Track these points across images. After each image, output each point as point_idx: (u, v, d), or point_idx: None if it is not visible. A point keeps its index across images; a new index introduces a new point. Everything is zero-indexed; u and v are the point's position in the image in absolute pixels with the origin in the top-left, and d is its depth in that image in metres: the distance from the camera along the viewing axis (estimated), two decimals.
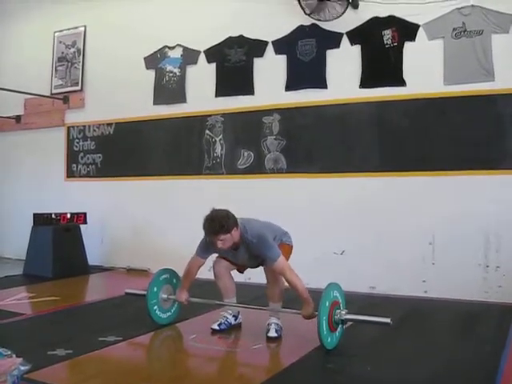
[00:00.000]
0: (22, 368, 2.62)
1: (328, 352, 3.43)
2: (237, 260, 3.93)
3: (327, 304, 3.46)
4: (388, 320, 3.43)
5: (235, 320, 4.06)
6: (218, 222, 3.57)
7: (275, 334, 3.76)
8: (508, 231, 4.91)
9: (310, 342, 3.53)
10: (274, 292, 3.82)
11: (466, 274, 4.99)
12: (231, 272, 4.06)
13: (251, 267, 4.05)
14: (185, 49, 6.56)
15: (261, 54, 6.06)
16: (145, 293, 4.09)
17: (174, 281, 4.22)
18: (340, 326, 3.57)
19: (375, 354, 3.44)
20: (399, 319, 4.30)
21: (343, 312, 3.55)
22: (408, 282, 5.22)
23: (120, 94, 6.94)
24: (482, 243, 5.00)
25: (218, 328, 3.94)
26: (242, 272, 4.14)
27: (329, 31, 5.66)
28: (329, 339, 3.46)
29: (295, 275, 3.62)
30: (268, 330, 3.78)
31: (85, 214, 6.79)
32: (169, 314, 4.17)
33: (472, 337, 3.87)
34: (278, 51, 5.97)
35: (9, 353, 2.76)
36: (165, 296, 4.13)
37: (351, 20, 5.53)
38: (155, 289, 4.09)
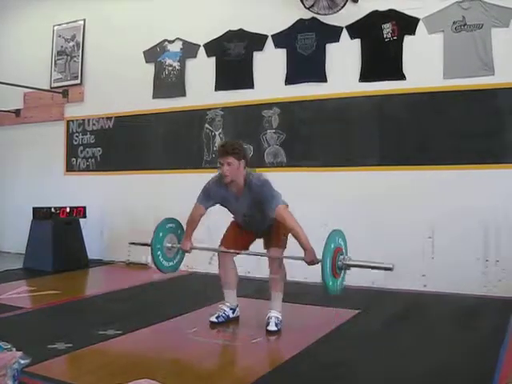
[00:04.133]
0: (22, 362, 2.62)
1: (328, 345, 3.45)
2: (237, 209, 3.92)
3: (332, 246, 3.48)
4: (390, 265, 3.46)
5: (233, 313, 4.06)
6: (231, 145, 3.79)
7: (275, 328, 3.76)
8: (507, 225, 4.91)
9: (310, 335, 3.55)
10: (276, 281, 3.85)
11: (465, 268, 5.00)
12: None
13: (251, 226, 3.97)
14: (184, 42, 6.55)
15: (260, 48, 6.04)
16: (149, 242, 4.09)
17: (179, 231, 4.21)
18: (343, 272, 3.60)
19: (375, 348, 3.45)
20: (399, 313, 4.33)
21: (346, 258, 3.58)
22: (407, 276, 5.21)
23: (119, 88, 6.93)
24: (481, 237, 5.00)
25: (216, 321, 3.95)
26: (247, 247, 4.07)
27: (328, 25, 5.65)
28: (331, 283, 3.48)
29: (296, 223, 3.67)
30: (268, 324, 3.78)
31: (84, 207, 6.79)
32: (171, 263, 4.18)
33: (471, 331, 3.87)
34: (277, 45, 5.96)
35: (9, 346, 2.76)
36: (169, 245, 4.13)
37: (351, 14, 5.52)
38: (161, 234, 4.08)
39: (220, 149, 3.83)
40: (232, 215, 4.07)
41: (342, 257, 3.57)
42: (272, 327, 3.76)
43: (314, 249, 3.61)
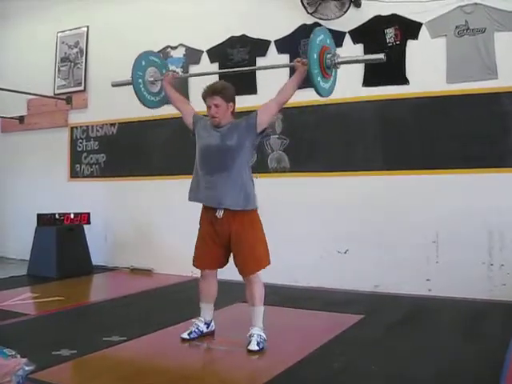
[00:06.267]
0: (27, 368, 2.63)
1: (332, 351, 3.43)
2: (209, 140, 3.67)
3: (315, 56, 3.35)
4: (381, 56, 3.39)
5: (207, 328, 3.82)
6: (220, 85, 3.60)
7: (256, 348, 3.46)
8: None
9: (314, 340, 3.53)
10: (254, 293, 3.61)
11: (470, 272, 4.98)
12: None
13: (209, 162, 3.66)
14: (187, 49, 6.56)
15: (263, 54, 6.05)
16: (130, 80, 4.03)
17: (163, 71, 4.22)
18: (333, 71, 3.53)
19: (380, 353, 3.44)
20: (404, 318, 4.31)
21: (334, 56, 3.47)
22: (412, 280, 5.20)
23: (123, 94, 6.88)
24: (485, 241, 4.98)
25: (187, 337, 3.74)
26: (221, 264, 3.77)
27: (331, 30, 5.61)
28: (322, 85, 3.44)
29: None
30: (249, 343, 3.50)
31: (88, 214, 6.80)
32: (154, 98, 4.26)
33: (476, 335, 3.86)
34: (280, 50, 5.96)
35: (13, 353, 2.76)
36: (152, 79, 4.10)
37: (354, 19, 5.52)
38: (143, 63, 4.06)
39: (205, 89, 3.58)
40: (197, 153, 3.79)
41: (329, 55, 3.42)
42: (253, 347, 3.46)
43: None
